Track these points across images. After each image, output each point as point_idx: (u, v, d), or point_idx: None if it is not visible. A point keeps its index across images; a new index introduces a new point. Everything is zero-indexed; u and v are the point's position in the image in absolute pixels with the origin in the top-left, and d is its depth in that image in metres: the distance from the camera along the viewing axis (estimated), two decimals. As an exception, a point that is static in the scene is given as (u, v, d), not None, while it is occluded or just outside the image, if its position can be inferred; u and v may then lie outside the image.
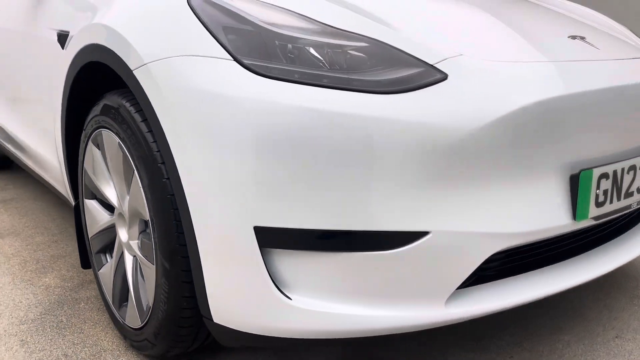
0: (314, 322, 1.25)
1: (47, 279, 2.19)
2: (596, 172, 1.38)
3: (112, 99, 1.53)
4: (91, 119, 1.65)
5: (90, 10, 1.66)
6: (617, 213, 1.49)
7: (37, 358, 1.68)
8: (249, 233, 1.20)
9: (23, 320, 1.89)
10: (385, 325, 1.27)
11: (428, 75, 1.25)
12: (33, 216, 2.91)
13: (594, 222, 1.44)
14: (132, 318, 1.61)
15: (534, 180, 1.31)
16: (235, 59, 1.22)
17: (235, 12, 1.30)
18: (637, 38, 2.00)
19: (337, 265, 1.23)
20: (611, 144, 1.43)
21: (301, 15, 1.31)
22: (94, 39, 1.55)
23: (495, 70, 1.30)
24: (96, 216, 1.78)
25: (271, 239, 1.21)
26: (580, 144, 1.36)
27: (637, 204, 1.54)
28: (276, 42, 1.26)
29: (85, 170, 1.77)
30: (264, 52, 1.24)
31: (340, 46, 1.28)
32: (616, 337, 1.78)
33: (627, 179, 1.47)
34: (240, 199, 1.20)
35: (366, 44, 1.29)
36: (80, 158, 1.80)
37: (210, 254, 1.27)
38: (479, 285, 1.39)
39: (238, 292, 1.27)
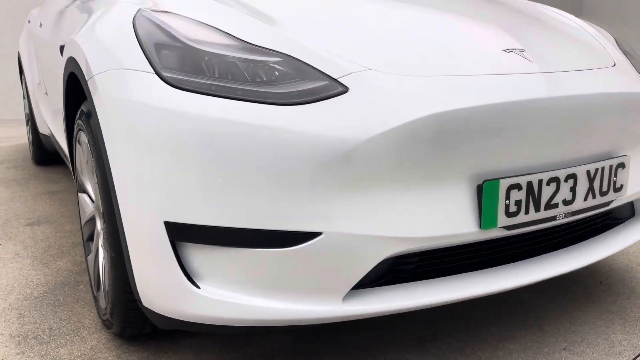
0: (220, 310, 1.38)
1: (60, 263, 2.46)
2: (504, 183, 1.42)
3: (86, 105, 1.74)
4: (75, 121, 1.88)
5: (77, 26, 1.89)
6: (538, 224, 1.51)
7: (27, 329, 1.92)
8: (160, 227, 1.36)
9: (28, 297, 2.16)
10: (285, 317, 1.38)
11: (330, 89, 1.35)
12: (71, 207, 3.23)
13: (507, 232, 1.47)
14: (102, 299, 1.82)
15: (438, 188, 1.38)
16: (157, 73, 1.38)
17: (167, 30, 1.46)
18: (611, 44, 1.97)
19: (240, 259, 1.36)
20: (526, 156, 1.46)
21: (225, 32, 1.45)
22: (71, 52, 1.77)
23: (398, 84, 1.38)
24: (84, 207, 2.01)
25: (181, 233, 1.36)
26: (487, 155, 1.40)
27: (565, 216, 1.55)
28: (201, 57, 1.41)
29: (76, 167, 2.01)
30: (189, 67, 1.39)
31: (257, 61, 1.40)
32: (564, 349, 1.78)
33: (547, 190, 1.49)
34: (152, 196, 1.36)
35: (280, 59, 1.41)
36: (74, 156, 2.04)
37: (134, 244, 1.44)
38: (388, 286, 1.46)
39: (156, 279, 1.42)
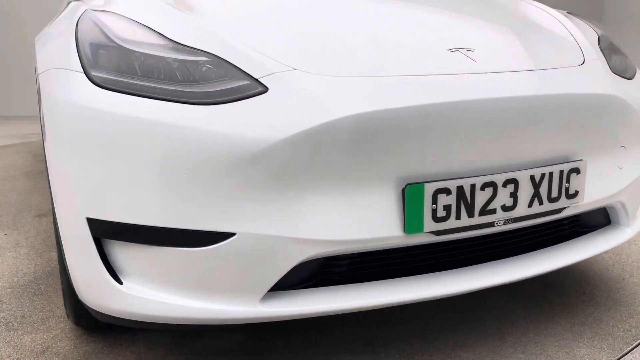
0: (142, 307, 1.40)
1: (53, 253, 2.56)
2: (430, 187, 1.37)
3: None
4: (45, 118, 1.95)
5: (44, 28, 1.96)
6: (473, 230, 1.46)
7: (2, 316, 2.02)
8: (83, 223, 1.39)
9: (13, 284, 2.26)
10: (204, 316, 1.38)
11: (250, 89, 1.35)
12: (80, 199, 3.35)
13: (437, 237, 1.43)
14: (65, 291, 1.89)
15: (359, 190, 1.35)
16: (85, 72, 1.41)
17: (102, 30, 1.49)
18: (589, 41, 1.86)
19: (160, 257, 1.37)
20: (457, 159, 1.41)
21: (156, 32, 1.47)
22: (34, 53, 1.84)
23: (320, 84, 1.35)
24: (59, 201, 2.08)
25: (103, 230, 1.39)
26: (411, 158, 1.36)
27: (505, 222, 1.49)
28: (129, 57, 1.42)
29: (51, 162, 2.08)
30: (117, 67, 1.41)
31: (184, 61, 1.41)
32: (519, 360, 1.71)
33: (482, 195, 1.43)
34: (75, 193, 1.39)
35: (207, 59, 1.41)
36: (52, 151, 2.12)
37: (66, 239, 1.48)
38: (315, 288, 1.45)
39: (85, 274, 1.46)
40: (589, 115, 1.57)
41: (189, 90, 1.36)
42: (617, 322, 1.92)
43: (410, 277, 1.49)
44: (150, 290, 1.39)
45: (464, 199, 1.41)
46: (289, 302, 1.40)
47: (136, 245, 1.38)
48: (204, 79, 1.38)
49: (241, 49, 1.43)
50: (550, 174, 1.51)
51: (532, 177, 1.48)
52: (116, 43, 1.45)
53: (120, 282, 1.41)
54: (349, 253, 1.41)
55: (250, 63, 1.39)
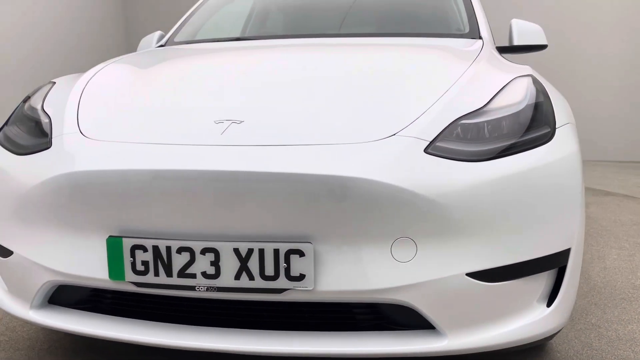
0: None
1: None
2: (127, 242, 1.56)
3: None
4: None
5: None
6: (174, 289, 1.57)
7: None
8: None
9: None
10: None
11: (43, 145, 1.77)
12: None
13: (139, 289, 1.59)
14: None
15: (81, 235, 1.63)
16: None
17: None
18: (444, 109, 1.65)
19: None
20: (158, 222, 1.55)
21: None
22: None
23: (80, 146, 1.69)
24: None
25: None
26: (114, 214, 1.57)
27: (207, 289, 1.53)
28: None
29: None
30: None
31: (37, 121, 1.90)
32: None
33: (179, 259, 1.53)
34: None
35: (47, 121, 1.88)
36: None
37: None
38: (89, 312, 1.76)
39: None
40: (328, 198, 1.48)
41: (20, 142, 1.85)
42: None
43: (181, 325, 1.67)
44: None
45: (161, 259, 1.54)
46: (57, 317, 1.75)
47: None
48: (39, 135, 1.85)
49: (69, 116, 1.85)
50: (261, 250, 1.49)
51: (236, 250, 1.50)
52: None
53: None
54: (89, 286, 1.68)
55: (60, 126, 1.81)
